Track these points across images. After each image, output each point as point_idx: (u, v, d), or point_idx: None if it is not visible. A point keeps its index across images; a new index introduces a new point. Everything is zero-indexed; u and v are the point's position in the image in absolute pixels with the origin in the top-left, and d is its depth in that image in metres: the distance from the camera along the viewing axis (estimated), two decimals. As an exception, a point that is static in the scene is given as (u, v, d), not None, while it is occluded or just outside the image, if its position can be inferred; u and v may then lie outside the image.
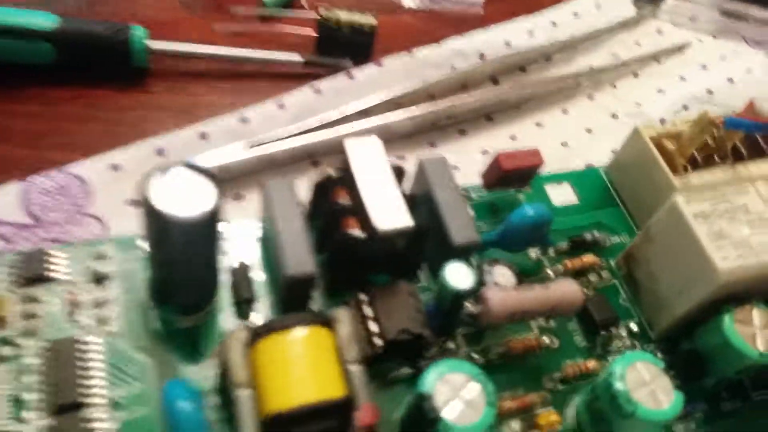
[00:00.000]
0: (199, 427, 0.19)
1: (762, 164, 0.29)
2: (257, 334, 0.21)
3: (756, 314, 0.24)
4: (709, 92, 0.45)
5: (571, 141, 0.41)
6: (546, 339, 0.26)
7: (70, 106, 0.38)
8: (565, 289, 0.24)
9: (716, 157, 0.29)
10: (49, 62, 0.38)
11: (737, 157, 0.29)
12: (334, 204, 0.24)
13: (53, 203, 0.33)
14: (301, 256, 0.23)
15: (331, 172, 0.25)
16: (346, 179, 0.25)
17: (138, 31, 0.39)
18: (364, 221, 0.24)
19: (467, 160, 0.38)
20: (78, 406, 0.22)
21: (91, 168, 0.34)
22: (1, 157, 0.34)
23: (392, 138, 0.40)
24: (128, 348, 0.23)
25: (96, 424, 0.22)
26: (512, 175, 0.29)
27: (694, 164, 0.29)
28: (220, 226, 0.22)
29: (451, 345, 0.26)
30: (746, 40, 0.50)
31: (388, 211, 0.23)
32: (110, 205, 0.33)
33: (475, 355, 0.25)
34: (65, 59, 0.39)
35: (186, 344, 0.24)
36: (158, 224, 0.21)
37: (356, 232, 0.24)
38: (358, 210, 0.24)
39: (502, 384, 0.25)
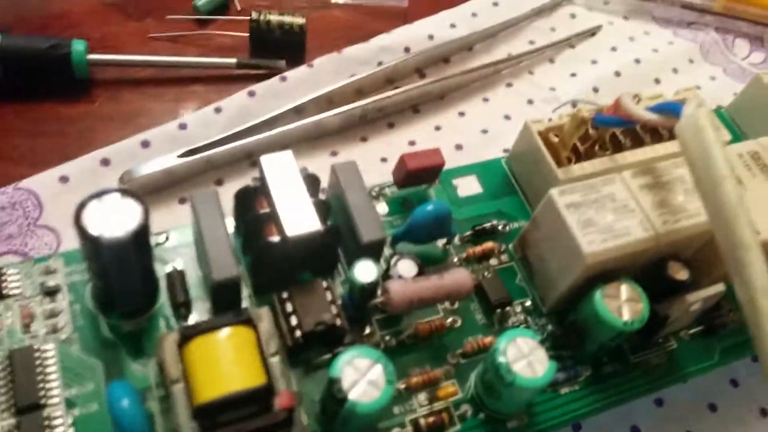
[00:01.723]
0: (137, 421, 0.23)
1: (637, 152, 0.32)
2: (185, 336, 0.24)
3: (624, 289, 0.28)
4: (617, 74, 0.48)
5: (491, 128, 0.45)
6: (450, 320, 0.30)
7: (17, 120, 0.41)
8: (457, 277, 0.28)
9: (597, 148, 0.33)
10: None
11: (617, 146, 0.33)
12: (255, 213, 0.28)
13: (7, 217, 0.36)
14: (225, 261, 0.26)
15: (251, 183, 0.28)
16: (265, 190, 0.28)
17: (78, 45, 0.42)
18: (280, 228, 0.27)
19: (396, 153, 0.41)
20: (37, 406, 0.25)
21: (41, 182, 0.37)
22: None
23: (325, 134, 0.43)
24: (79, 352, 0.27)
25: (54, 422, 0.25)
26: (418, 174, 0.32)
27: (578, 155, 0.32)
28: (152, 239, 0.26)
29: (367, 330, 0.29)
30: (656, 20, 0.53)
31: (298, 218, 0.27)
32: (61, 215, 0.36)
33: (388, 338, 0.29)
34: (10, 76, 0.41)
35: (131, 346, 0.27)
36: (90, 245, 0.24)
37: (275, 238, 0.27)
38: (275, 218, 0.27)
39: (412, 362, 0.29)
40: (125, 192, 0.25)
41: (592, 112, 0.31)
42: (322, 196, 0.29)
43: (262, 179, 0.28)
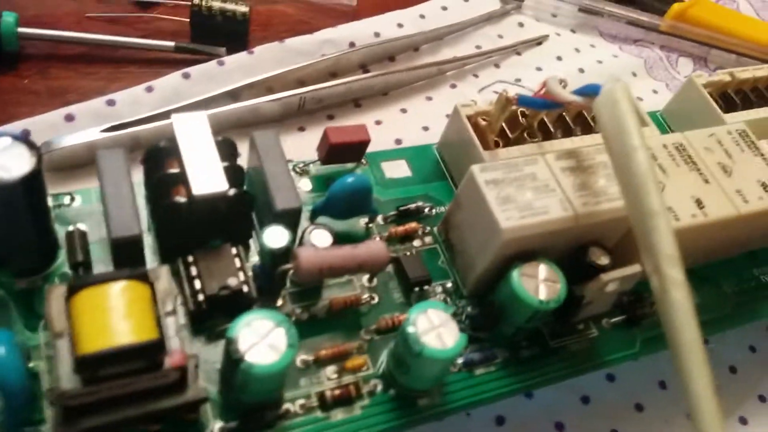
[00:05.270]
0: (14, 371, 0.21)
1: (565, 141, 0.32)
2: (74, 287, 0.23)
3: (542, 269, 0.27)
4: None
5: (432, 125, 0.44)
6: (366, 296, 0.29)
7: (-61, 89, 0.39)
8: (372, 248, 0.27)
9: (526, 135, 0.32)
10: None
11: (547, 135, 0.33)
12: (163, 172, 0.27)
13: None
14: (126, 219, 0.25)
15: (161, 143, 0.27)
16: (175, 151, 0.27)
17: (8, 17, 0.40)
18: (187, 187, 0.26)
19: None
20: None
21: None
22: None
23: (262, 121, 0.42)
24: (-36, 309, 0.25)
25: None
26: (342, 149, 0.31)
27: (507, 141, 0.32)
28: (49, 197, 0.24)
29: (279, 303, 0.28)
30: (602, 35, 0.54)
31: (207, 178, 0.26)
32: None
33: (299, 311, 0.28)
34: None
35: (22, 304, 0.26)
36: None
37: (181, 198, 0.26)
38: (184, 179, 0.26)
39: (324, 338, 0.28)
40: (17, 138, 0.23)
41: (516, 93, 0.30)
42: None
43: (173, 138, 0.27)
